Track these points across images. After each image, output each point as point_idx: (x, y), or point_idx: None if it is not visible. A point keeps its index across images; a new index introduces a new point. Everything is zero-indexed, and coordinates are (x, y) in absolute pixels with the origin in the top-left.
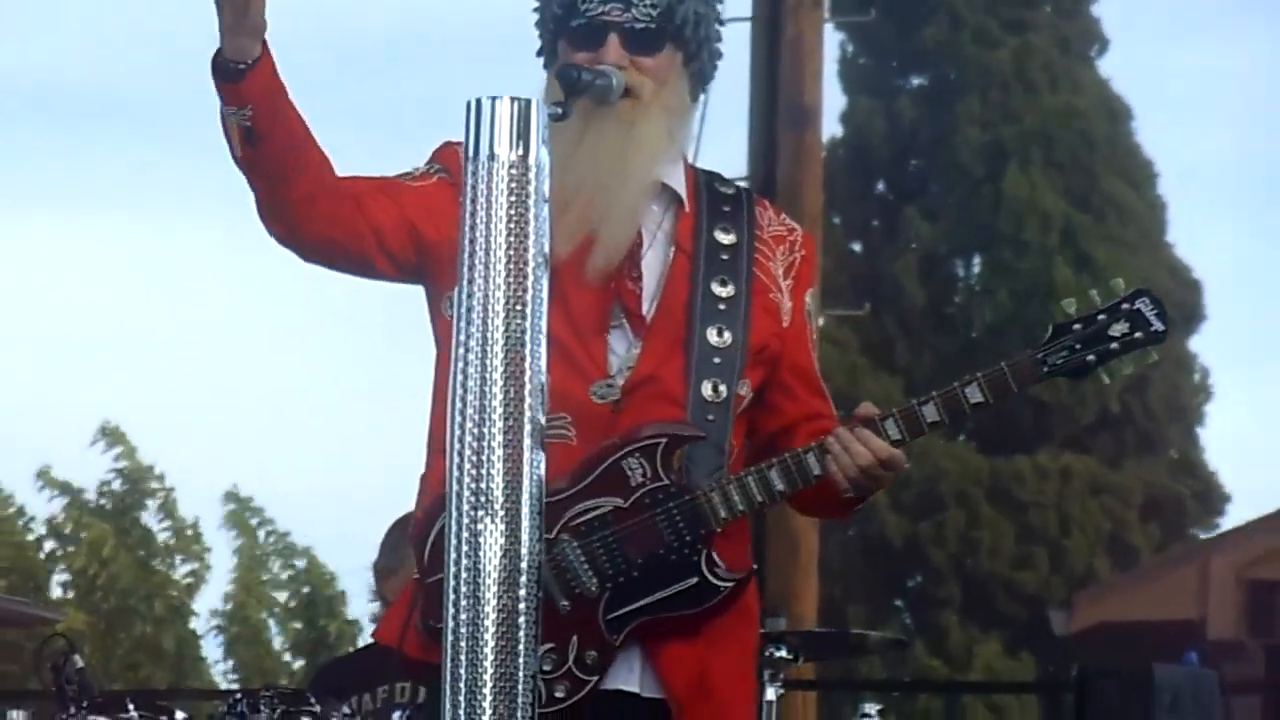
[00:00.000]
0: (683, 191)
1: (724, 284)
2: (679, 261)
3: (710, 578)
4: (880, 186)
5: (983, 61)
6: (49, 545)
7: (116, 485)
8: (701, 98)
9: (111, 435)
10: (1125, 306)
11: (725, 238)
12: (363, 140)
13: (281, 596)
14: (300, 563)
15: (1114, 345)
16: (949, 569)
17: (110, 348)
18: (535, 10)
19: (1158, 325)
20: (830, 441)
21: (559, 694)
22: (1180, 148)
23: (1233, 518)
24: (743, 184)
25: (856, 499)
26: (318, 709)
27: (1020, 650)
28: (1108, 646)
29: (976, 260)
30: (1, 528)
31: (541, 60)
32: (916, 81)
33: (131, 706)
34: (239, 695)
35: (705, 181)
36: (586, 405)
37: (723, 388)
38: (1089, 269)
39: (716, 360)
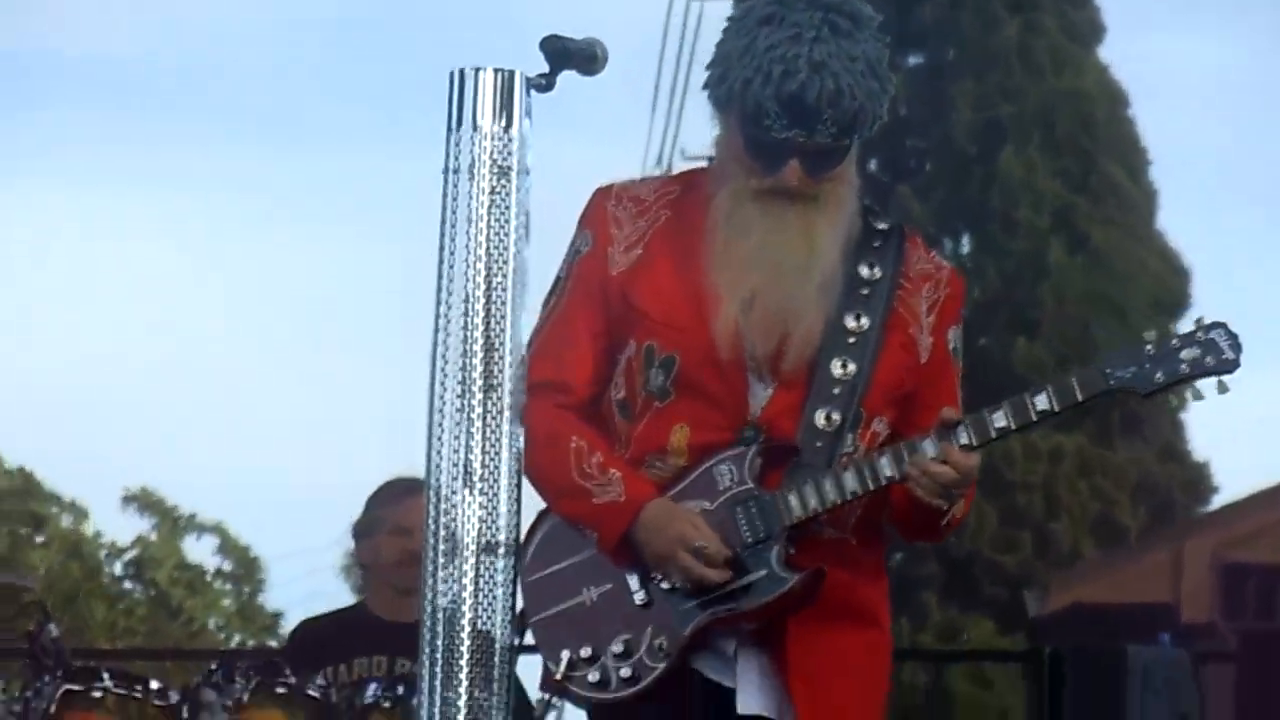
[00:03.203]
0: None
1: (858, 318)
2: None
3: (778, 570)
4: (873, 165)
5: (984, 41)
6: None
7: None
8: None
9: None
10: (1200, 335)
11: (868, 272)
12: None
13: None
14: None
15: (1183, 367)
16: (935, 547)
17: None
18: (709, 79)
19: (1230, 354)
20: (905, 449)
21: (626, 673)
22: (1173, 136)
23: (1215, 504)
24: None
25: (941, 514)
26: (293, 680)
27: (1004, 630)
28: (1082, 627)
29: (965, 238)
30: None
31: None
32: (913, 60)
33: (106, 675)
34: (215, 665)
35: (859, 213)
36: (731, 445)
37: (835, 416)
38: (1084, 251)
39: (835, 391)
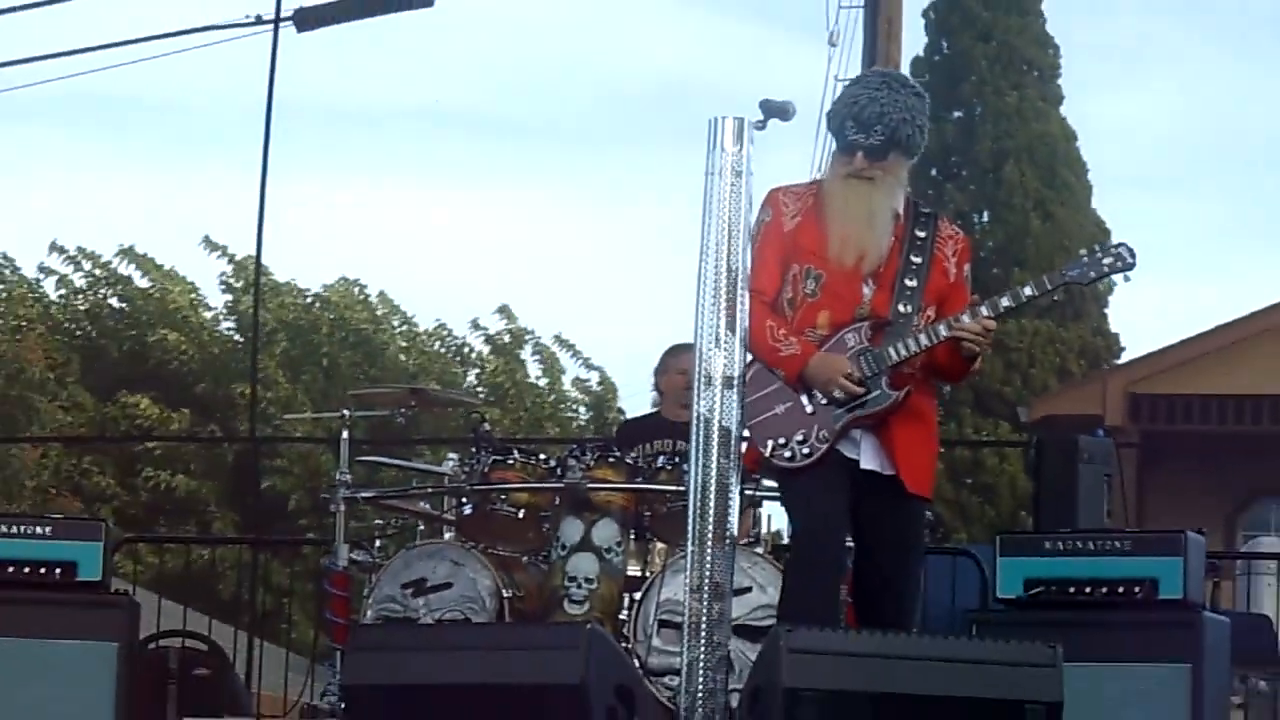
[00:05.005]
0: (900, 211)
1: (918, 255)
2: (895, 246)
3: (886, 390)
4: (934, 172)
5: (997, 103)
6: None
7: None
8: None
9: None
10: (1113, 248)
11: (920, 233)
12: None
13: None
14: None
15: (1105, 269)
16: (967, 383)
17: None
18: (829, 116)
19: (1130, 259)
20: (952, 320)
21: (805, 451)
22: (1103, 157)
23: (1124, 359)
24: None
25: (970, 360)
26: (618, 454)
27: (1017, 430)
28: (1051, 427)
29: (985, 214)
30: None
31: (830, 135)
32: (956, 114)
33: (516, 451)
34: (575, 445)
35: (913, 203)
36: (852, 322)
37: (908, 308)
38: (1051, 221)
39: (908, 293)
